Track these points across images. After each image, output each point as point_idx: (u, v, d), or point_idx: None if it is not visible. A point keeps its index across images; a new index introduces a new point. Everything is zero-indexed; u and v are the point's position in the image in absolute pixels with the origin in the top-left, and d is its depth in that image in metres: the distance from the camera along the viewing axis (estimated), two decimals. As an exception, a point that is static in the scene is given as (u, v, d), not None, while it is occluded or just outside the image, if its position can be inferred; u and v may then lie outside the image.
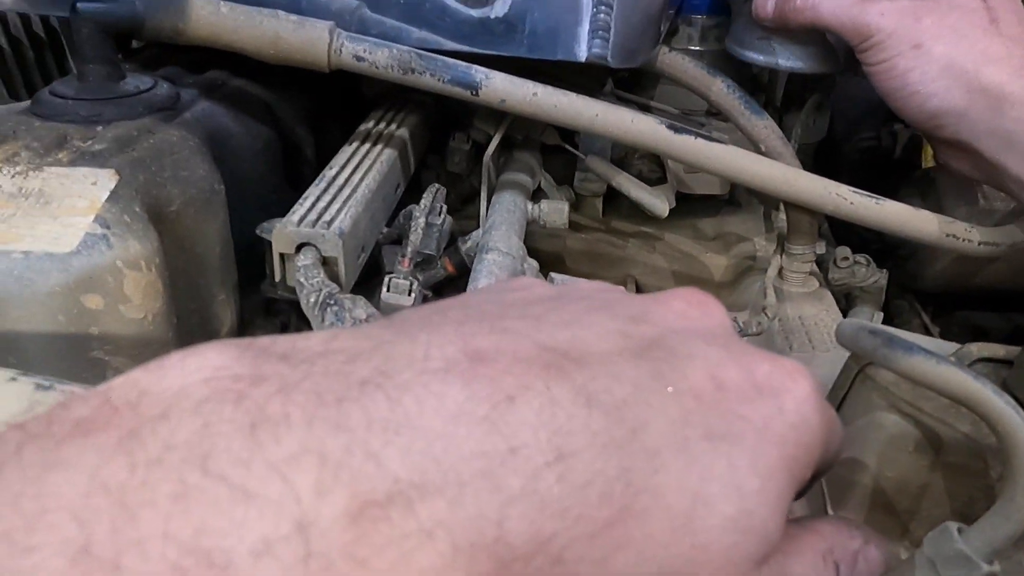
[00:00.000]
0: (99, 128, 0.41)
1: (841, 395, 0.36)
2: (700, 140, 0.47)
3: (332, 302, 0.37)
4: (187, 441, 0.14)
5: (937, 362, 0.28)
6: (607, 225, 0.67)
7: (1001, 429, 0.27)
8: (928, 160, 0.72)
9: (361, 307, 0.37)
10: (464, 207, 0.63)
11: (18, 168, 0.37)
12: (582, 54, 0.47)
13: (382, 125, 0.54)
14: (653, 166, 0.66)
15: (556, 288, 0.25)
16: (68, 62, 0.64)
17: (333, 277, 0.40)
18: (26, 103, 0.45)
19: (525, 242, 0.50)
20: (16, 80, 0.59)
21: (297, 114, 0.55)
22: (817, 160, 0.76)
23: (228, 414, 0.14)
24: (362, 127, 0.54)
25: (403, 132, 0.54)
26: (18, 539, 0.12)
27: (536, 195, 0.59)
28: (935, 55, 0.46)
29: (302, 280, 0.39)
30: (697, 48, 0.65)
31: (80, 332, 0.32)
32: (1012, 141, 0.44)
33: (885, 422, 0.33)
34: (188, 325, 0.40)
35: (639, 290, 0.66)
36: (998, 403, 0.27)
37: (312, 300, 0.38)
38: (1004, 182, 0.47)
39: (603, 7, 0.46)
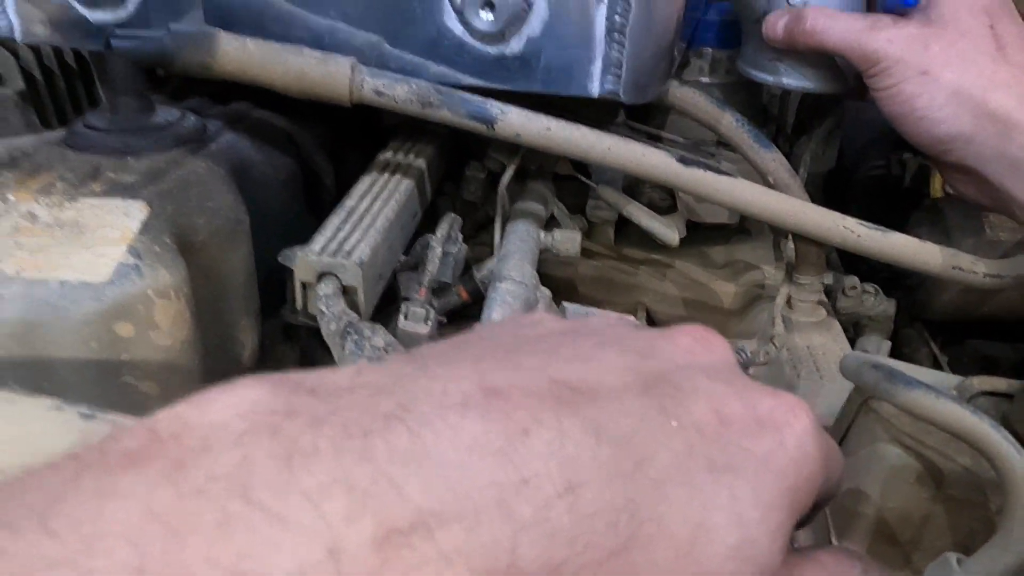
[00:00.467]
0: (130, 160, 0.43)
1: (845, 426, 0.36)
2: (709, 173, 0.49)
3: (352, 331, 0.38)
4: (228, 472, 0.15)
5: (936, 397, 0.29)
6: (618, 253, 0.68)
7: (999, 464, 0.28)
8: (936, 191, 0.73)
9: (380, 335, 0.38)
10: (478, 234, 0.64)
11: (53, 198, 0.38)
12: (595, 90, 0.48)
13: (400, 155, 0.56)
14: (663, 195, 0.67)
15: (567, 323, 0.26)
16: (97, 91, 0.66)
17: (352, 305, 0.42)
18: (60, 133, 0.47)
19: (538, 269, 0.51)
20: (48, 109, 0.61)
21: (317, 144, 0.57)
22: (827, 189, 0.77)
23: (265, 446, 0.15)
24: (381, 157, 0.55)
25: (420, 162, 0.55)
26: (80, 562, 0.13)
27: (549, 223, 0.60)
28: (943, 82, 0.47)
29: (323, 308, 0.40)
30: (707, 80, 0.67)
31: (112, 359, 0.33)
32: (1019, 167, 0.45)
33: (887, 454, 0.34)
34: (212, 349, 0.41)
35: (649, 317, 0.67)
36: (996, 438, 0.28)
37: (332, 328, 0.39)
38: (1010, 207, 0.47)
39: (615, 44, 0.47)
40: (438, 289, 0.49)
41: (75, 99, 0.64)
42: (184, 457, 0.15)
